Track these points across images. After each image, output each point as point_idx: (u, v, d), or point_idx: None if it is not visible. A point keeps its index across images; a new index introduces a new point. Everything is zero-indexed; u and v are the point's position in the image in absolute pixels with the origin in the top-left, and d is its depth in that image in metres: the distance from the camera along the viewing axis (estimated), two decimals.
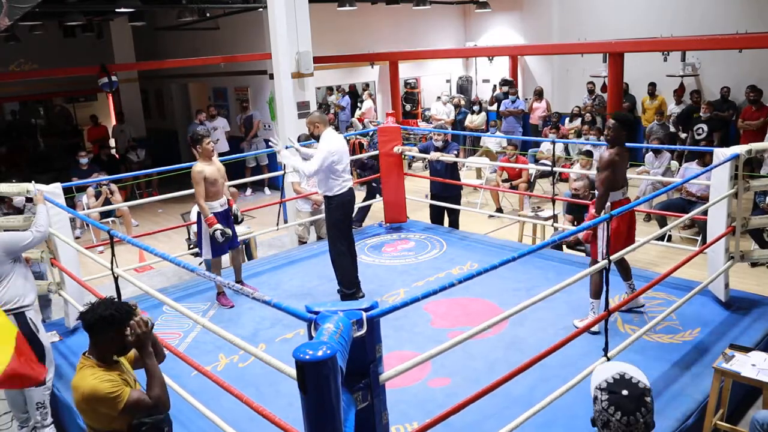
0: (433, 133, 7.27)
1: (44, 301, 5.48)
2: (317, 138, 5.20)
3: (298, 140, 6.82)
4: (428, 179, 7.40)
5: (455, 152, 7.11)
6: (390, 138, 7.11)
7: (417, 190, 7.62)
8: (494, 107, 12.83)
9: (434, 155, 6.95)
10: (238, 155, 8.80)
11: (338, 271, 5.36)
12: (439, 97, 13.07)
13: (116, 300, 2.73)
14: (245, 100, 11.77)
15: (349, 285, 5.34)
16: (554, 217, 6.85)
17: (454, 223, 7.39)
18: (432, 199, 7.40)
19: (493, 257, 3.84)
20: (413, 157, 7.26)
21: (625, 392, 1.93)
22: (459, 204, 7.41)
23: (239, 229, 6.96)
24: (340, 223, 5.29)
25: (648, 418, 1.93)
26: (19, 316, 4.04)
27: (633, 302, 4.69)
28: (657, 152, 8.54)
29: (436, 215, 7.45)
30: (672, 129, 10.17)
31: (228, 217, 5.41)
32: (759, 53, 9.17)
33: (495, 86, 13.90)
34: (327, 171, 5.11)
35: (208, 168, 5.22)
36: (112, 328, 2.57)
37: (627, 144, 4.54)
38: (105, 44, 13.20)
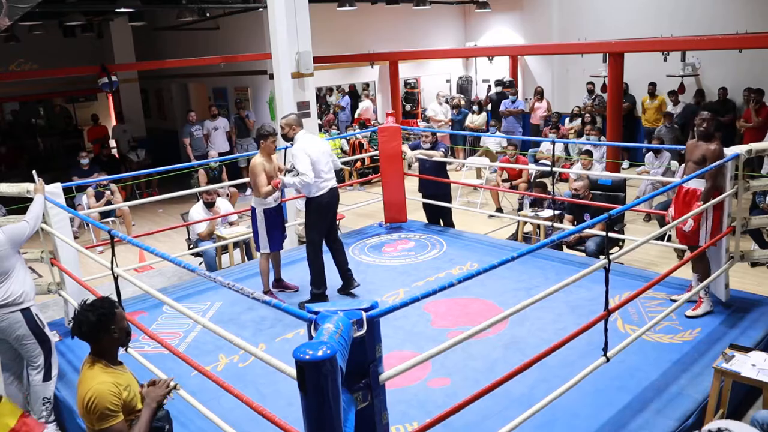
0: (421, 133, 7.29)
1: None
2: (291, 140, 5.25)
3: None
4: (429, 179, 7.39)
5: (443, 150, 7.14)
6: (390, 138, 7.11)
7: (417, 190, 7.63)
8: (488, 107, 12.83)
9: (435, 155, 6.96)
10: (230, 156, 8.80)
11: (312, 270, 5.36)
12: (437, 97, 13.07)
13: (91, 303, 2.66)
14: (239, 100, 11.72)
15: (318, 285, 5.35)
16: (554, 217, 6.85)
17: (449, 222, 7.39)
18: (423, 197, 7.42)
19: (493, 257, 3.84)
20: (424, 157, 7.27)
21: None
22: (450, 202, 7.43)
23: (239, 230, 6.99)
24: (315, 225, 5.33)
25: None
26: (25, 311, 4.07)
27: None
28: (657, 152, 8.53)
29: (431, 214, 7.48)
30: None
31: (282, 213, 5.51)
32: (759, 53, 9.17)
33: (489, 86, 13.90)
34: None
35: (266, 164, 5.30)
36: (102, 328, 2.58)
37: (626, 144, 4.55)
38: (105, 44, 13.22)
